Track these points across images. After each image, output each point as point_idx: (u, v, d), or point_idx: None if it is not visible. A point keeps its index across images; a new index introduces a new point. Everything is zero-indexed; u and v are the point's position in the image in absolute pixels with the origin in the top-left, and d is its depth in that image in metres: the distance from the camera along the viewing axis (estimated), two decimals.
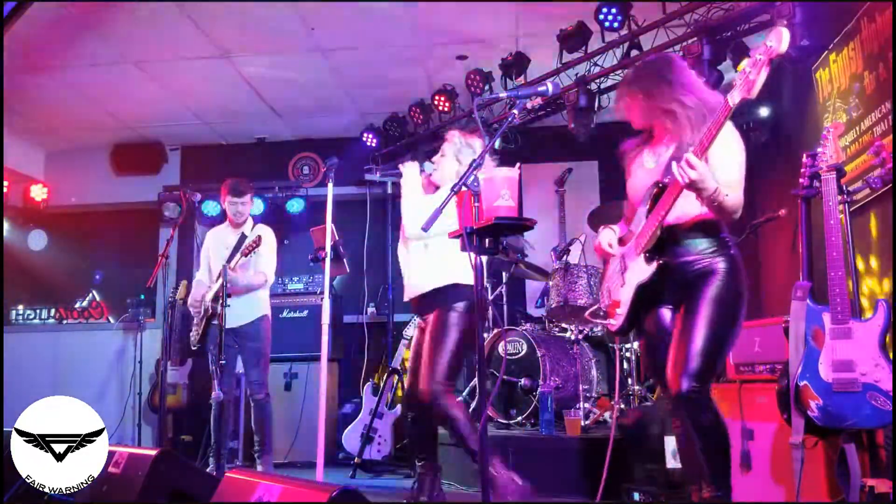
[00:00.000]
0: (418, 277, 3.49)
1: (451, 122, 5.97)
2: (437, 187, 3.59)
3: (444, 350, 3.31)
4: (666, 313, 2.63)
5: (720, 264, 2.50)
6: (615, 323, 2.70)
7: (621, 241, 2.74)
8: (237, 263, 4.51)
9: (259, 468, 4.60)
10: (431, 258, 3.44)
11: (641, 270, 2.55)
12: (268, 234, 4.81)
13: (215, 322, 4.57)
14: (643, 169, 2.67)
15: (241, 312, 4.64)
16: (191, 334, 4.87)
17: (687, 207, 2.50)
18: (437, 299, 3.41)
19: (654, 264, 2.50)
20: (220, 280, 4.41)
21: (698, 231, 2.53)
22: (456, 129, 3.76)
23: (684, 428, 2.51)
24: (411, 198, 3.48)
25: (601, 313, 2.83)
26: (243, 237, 4.76)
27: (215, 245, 4.90)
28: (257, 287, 4.76)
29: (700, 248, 2.52)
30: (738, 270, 2.52)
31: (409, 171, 3.53)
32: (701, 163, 2.29)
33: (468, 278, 3.31)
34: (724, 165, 2.46)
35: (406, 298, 3.59)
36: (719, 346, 2.46)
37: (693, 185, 2.31)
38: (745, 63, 2.28)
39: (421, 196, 3.50)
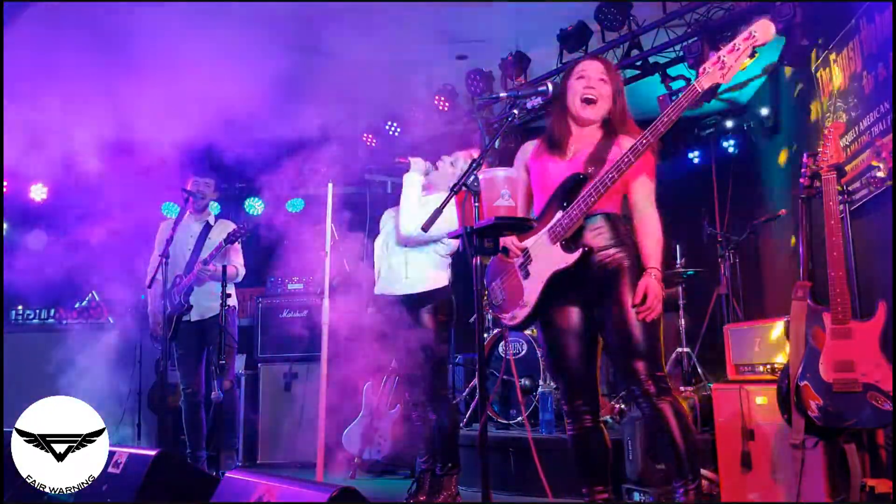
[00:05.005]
0: (395, 280, 3.54)
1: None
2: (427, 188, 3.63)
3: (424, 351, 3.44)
4: (574, 311, 2.62)
5: (625, 259, 2.54)
6: (518, 316, 2.65)
7: (520, 238, 2.68)
8: (206, 272, 4.43)
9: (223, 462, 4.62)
10: (411, 263, 3.49)
11: (558, 259, 2.53)
12: (230, 227, 4.70)
13: (186, 318, 4.54)
14: (555, 162, 2.66)
15: (207, 305, 4.56)
16: (156, 328, 4.66)
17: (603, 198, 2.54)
18: (410, 303, 3.49)
19: (578, 252, 2.50)
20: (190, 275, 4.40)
21: (604, 224, 2.57)
22: (476, 150, 3.80)
23: (652, 416, 2.47)
24: (413, 197, 3.49)
25: (495, 307, 2.77)
26: (208, 226, 4.71)
27: (178, 235, 4.59)
28: (231, 279, 4.59)
29: (606, 241, 2.55)
30: (637, 256, 2.57)
31: (416, 167, 3.54)
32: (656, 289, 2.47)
33: (440, 282, 3.52)
34: (643, 176, 2.59)
35: (377, 292, 3.62)
36: (655, 329, 2.50)
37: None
38: (721, 51, 2.33)
39: (420, 197, 3.52)
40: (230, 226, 4.75)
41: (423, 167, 3.55)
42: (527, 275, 2.62)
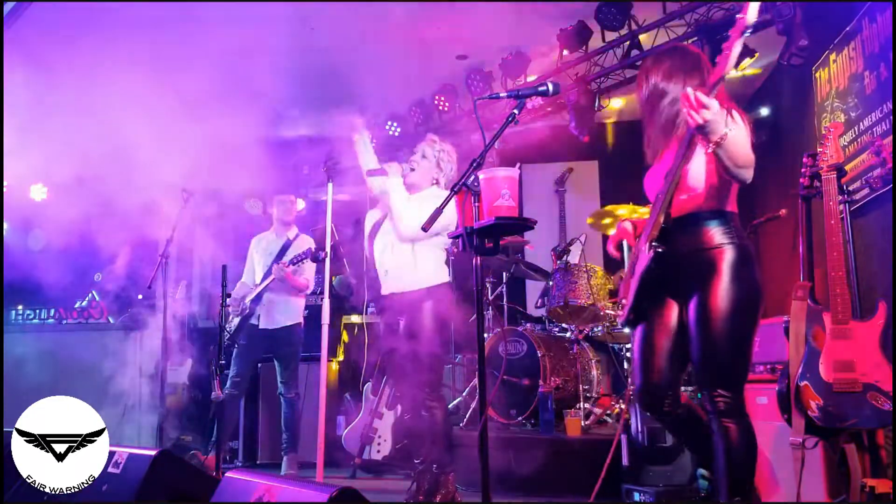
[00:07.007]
0: (405, 276, 3.53)
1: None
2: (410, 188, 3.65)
3: (433, 346, 3.43)
4: (670, 307, 2.54)
5: (726, 254, 2.39)
6: (623, 314, 2.66)
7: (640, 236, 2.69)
8: (283, 271, 4.69)
9: (283, 465, 4.86)
10: (419, 258, 3.50)
11: (644, 259, 2.51)
12: (311, 243, 5.02)
13: (252, 321, 4.88)
14: (658, 163, 2.63)
15: (278, 317, 4.90)
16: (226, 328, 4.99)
17: (694, 194, 2.46)
18: (422, 298, 3.48)
19: (651, 252, 2.44)
20: (263, 283, 4.75)
21: (704, 219, 2.45)
22: (432, 134, 3.85)
23: (714, 431, 2.39)
24: (403, 200, 3.51)
25: (620, 305, 2.83)
26: (288, 242, 4.96)
27: (259, 251, 5.08)
28: (302, 289, 4.96)
29: (705, 237, 2.43)
30: (746, 259, 2.40)
31: (393, 171, 3.56)
32: (712, 101, 2.16)
33: (443, 277, 3.56)
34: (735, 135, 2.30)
35: (385, 292, 3.62)
36: (737, 344, 2.36)
37: (704, 126, 2.19)
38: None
39: (408, 197, 3.55)
40: (310, 240, 5.06)
41: (399, 170, 3.57)
42: (633, 273, 2.62)
